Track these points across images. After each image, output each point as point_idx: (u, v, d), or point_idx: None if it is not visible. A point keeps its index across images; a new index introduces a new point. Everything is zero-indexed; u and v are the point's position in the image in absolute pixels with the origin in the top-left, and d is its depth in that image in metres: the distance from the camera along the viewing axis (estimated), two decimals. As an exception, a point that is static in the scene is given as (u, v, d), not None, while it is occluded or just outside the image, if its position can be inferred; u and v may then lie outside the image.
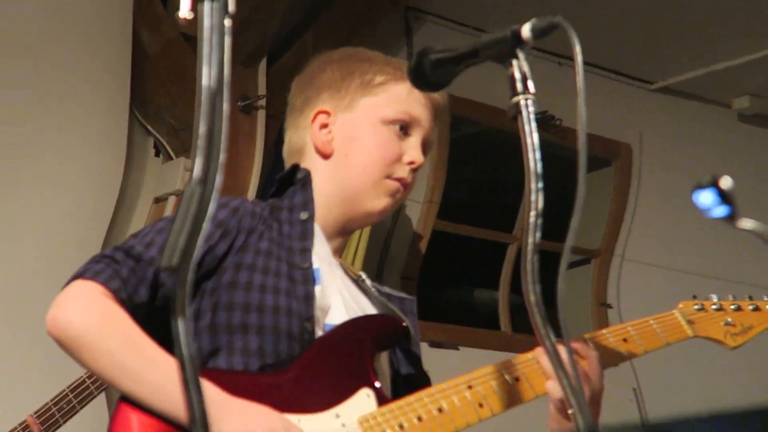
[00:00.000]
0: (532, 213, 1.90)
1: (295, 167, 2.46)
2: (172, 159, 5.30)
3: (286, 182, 2.46)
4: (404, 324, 2.33)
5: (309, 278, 2.30)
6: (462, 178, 6.21)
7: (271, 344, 2.22)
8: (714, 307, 2.41)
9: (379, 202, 2.41)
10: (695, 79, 6.49)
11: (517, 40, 2.04)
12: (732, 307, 2.41)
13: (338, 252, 2.46)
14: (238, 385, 2.15)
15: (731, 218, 1.42)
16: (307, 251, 2.33)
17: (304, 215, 2.38)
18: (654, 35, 6.15)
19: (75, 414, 3.48)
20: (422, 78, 2.20)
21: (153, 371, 2.09)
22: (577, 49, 1.92)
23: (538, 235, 1.89)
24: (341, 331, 2.28)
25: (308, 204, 2.39)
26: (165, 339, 2.16)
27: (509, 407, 2.23)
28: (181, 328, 1.25)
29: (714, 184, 1.41)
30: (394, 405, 2.20)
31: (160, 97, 5.24)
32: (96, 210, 4.90)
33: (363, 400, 2.21)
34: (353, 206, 2.40)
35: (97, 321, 2.13)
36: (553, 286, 1.91)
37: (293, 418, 2.14)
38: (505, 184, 6.16)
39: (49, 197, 4.78)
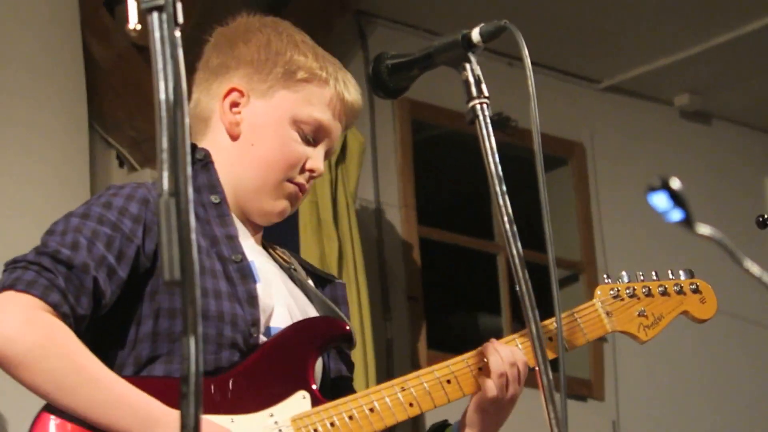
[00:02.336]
0: (506, 220, 1.96)
1: (193, 147, 2.28)
2: (136, 170, 5.23)
3: None
4: (347, 328, 2.28)
5: (247, 275, 2.20)
6: (433, 182, 6.20)
7: (213, 354, 2.15)
8: (628, 292, 2.41)
9: (277, 204, 2.28)
10: (639, 77, 6.54)
11: (468, 44, 2.08)
12: (643, 291, 2.42)
13: (260, 240, 2.34)
14: (174, 392, 2.09)
15: (688, 223, 1.43)
16: (233, 239, 2.22)
17: (215, 198, 2.24)
18: (598, 34, 6.19)
19: None
20: (382, 85, 2.19)
21: (92, 389, 2.03)
22: (526, 52, 1.99)
23: (519, 246, 1.95)
24: (284, 338, 2.22)
25: (215, 186, 2.25)
26: (107, 347, 2.15)
27: (438, 406, 2.26)
28: (192, 346, 1.23)
29: (664, 186, 1.41)
30: (327, 405, 2.19)
31: (118, 110, 5.16)
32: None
33: (298, 401, 2.18)
34: (252, 201, 2.27)
35: (39, 341, 2.02)
36: (549, 304, 1.99)
37: (226, 419, 2.11)
38: (476, 185, 6.19)
39: (15, 218, 4.64)
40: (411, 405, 2.22)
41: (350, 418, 2.18)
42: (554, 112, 6.22)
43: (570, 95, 6.52)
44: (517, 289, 1.96)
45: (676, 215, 1.41)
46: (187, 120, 1.26)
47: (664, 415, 6.36)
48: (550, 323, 2.24)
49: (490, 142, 1.99)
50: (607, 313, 2.38)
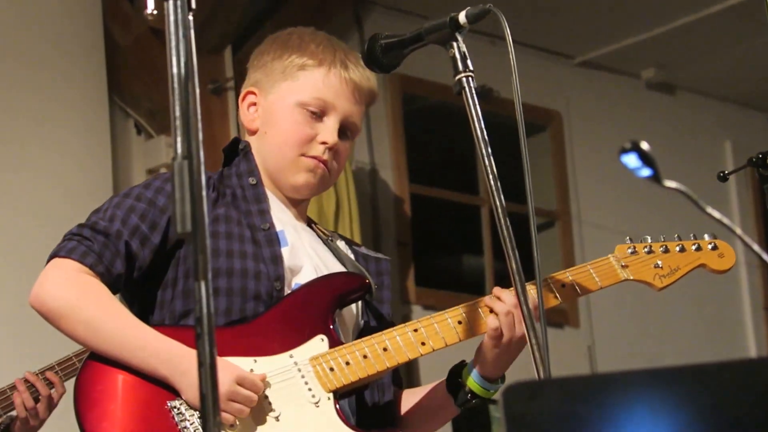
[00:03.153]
0: (491, 177, 2.02)
1: (236, 140, 2.42)
2: (152, 137, 5.32)
3: (231, 153, 2.41)
4: (366, 281, 2.31)
5: (273, 239, 2.28)
6: (423, 147, 6.26)
7: (238, 305, 2.22)
8: (645, 249, 2.33)
9: (299, 177, 2.34)
10: (610, 53, 6.63)
11: (455, 25, 2.09)
12: (661, 249, 2.34)
13: (302, 216, 2.42)
14: None
15: (656, 178, 1.45)
16: (264, 213, 2.31)
17: (252, 180, 2.34)
18: (573, 15, 6.24)
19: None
20: (375, 61, 2.21)
21: (121, 335, 2.16)
22: (508, 31, 2.01)
23: (503, 198, 2.01)
24: (305, 289, 2.27)
25: (253, 171, 2.36)
26: (145, 306, 2.28)
27: (449, 344, 2.25)
28: (203, 290, 1.29)
29: (635, 147, 1.43)
30: (343, 346, 2.22)
31: (136, 85, 5.24)
32: (95, 182, 4.85)
33: (317, 344, 2.22)
34: (280, 179, 2.36)
35: (75, 295, 2.18)
36: (527, 249, 2.01)
37: (249, 360, 2.17)
38: (461, 152, 6.19)
39: (45, 180, 4.74)
40: (423, 344, 2.22)
41: (364, 357, 2.19)
42: (534, 85, 6.25)
43: (547, 70, 6.56)
44: (500, 234, 2.01)
45: (646, 172, 1.44)
46: (197, 90, 1.29)
47: (635, 338, 6.42)
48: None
49: (475, 110, 2.04)
50: (622, 266, 2.32)
